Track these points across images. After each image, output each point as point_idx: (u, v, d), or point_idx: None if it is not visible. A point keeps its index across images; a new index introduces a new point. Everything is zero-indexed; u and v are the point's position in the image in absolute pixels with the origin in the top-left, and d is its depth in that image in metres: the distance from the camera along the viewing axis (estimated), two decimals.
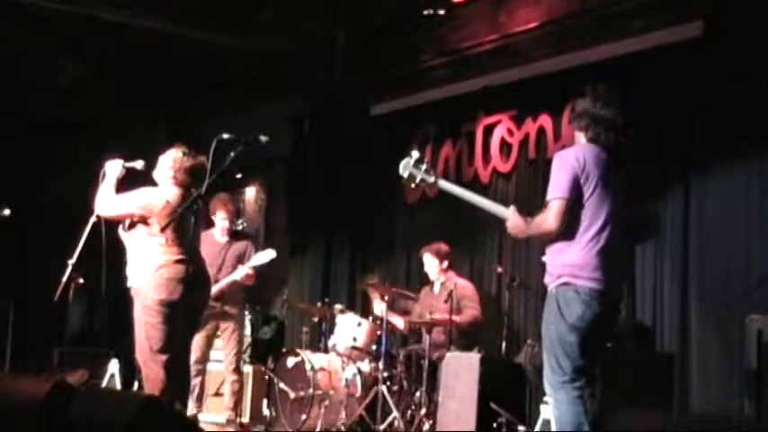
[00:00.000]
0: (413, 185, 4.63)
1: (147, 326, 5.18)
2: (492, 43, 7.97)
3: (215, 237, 7.21)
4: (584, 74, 7.33)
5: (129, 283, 5.30)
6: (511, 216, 4.33)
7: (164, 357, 5.13)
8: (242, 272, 7.02)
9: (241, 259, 7.19)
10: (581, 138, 4.35)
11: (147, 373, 5.22)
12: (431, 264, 7.50)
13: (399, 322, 7.59)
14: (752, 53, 6.30)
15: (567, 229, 4.11)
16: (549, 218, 4.10)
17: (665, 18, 6.83)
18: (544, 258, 4.33)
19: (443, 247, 7.50)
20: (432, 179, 4.56)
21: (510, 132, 7.98)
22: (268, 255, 7.10)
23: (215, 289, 6.97)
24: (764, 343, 5.51)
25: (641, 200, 4.40)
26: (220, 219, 7.20)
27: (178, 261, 5.20)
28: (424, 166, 4.56)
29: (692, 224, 6.63)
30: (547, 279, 4.27)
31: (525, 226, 4.28)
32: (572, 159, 4.14)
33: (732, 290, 6.28)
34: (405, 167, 4.59)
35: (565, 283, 4.12)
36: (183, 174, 5.36)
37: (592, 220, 4.11)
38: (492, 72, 8.10)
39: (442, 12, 8.18)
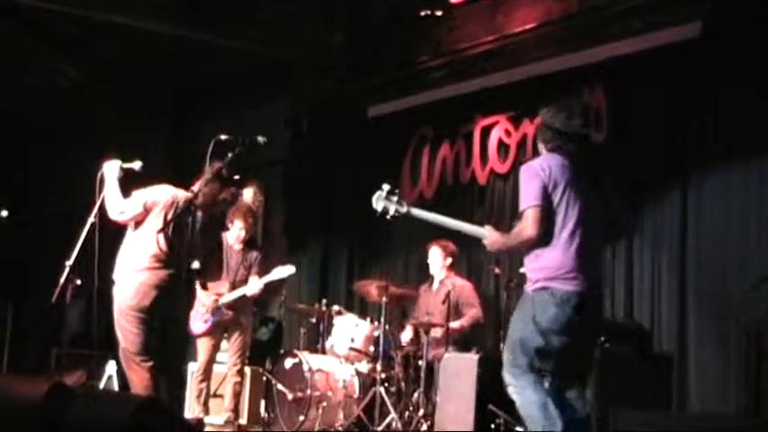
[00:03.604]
0: (387, 217, 4.68)
1: (124, 330, 5.21)
2: (489, 44, 7.97)
3: (228, 241, 7.20)
4: (582, 75, 7.36)
5: (114, 276, 5.31)
6: (488, 234, 4.46)
7: (142, 359, 5.15)
8: (255, 287, 6.99)
9: (249, 269, 7.18)
10: (543, 149, 4.52)
11: (130, 375, 5.25)
12: (436, 258, 7.48)
13: (407, 336, 7.56)
14: (750, 54, 6.31)
15: (542, 236, 4.25)
16: (528, 226, 4.25)
17: (664, 19, 6.84)
18: (522, 270, 4.47)
19: (452, 245, 7.47)
20: (404, 209, 4.65)
21: (507, 133, 7.99)
22: (287, 270, 7.08)
23: (227, 299, 6.97)
24: (762, 344, 5.52)
25: (611, 201, 4.51)
26: (237, 228, 7.18)
27: (157, 267, 5.21)
28: (395, 198, 4.66)
29: (689, 225, 6.64)
30: (526, 286, 4.39)
31: (504, 239, 4.41)
32: (538, 169, 4.31)
33: (729, 291, 6.29)
34: (377, 200, 4.68)
35: (542, 288, 4.26)
36: (208, 193, 5.35)
37: (563, 224, 4.26)
38: (489, 73, 8.10)
39: (439, 13, 8.18)
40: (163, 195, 5.34)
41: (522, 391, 4.27)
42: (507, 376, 4.35)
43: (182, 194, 5.36)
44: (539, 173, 4.29)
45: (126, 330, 5.20)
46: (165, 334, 5.31)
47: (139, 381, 5.17)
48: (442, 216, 4.69)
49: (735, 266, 6.32)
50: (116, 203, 5.34)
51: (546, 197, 4.25)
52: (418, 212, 4.70)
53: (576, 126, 4.42)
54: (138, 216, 5.32)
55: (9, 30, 8.79)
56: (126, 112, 10.24)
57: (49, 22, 8.76)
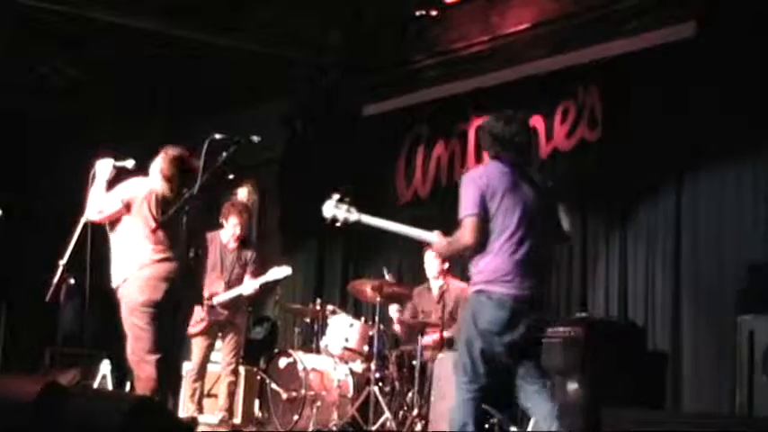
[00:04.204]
0: (337, 224, 4.83)
1: (135, 328, 5.17)
2: (484, 44, 7.98)
3: (222, 239, 7.19)
4: (577, 74, 7.37)
5: (114, 283, 5.28)
6: (436, 239, 4.60)
7: (155, 357, 5.12)
8: (251, 287, 6.99)
9: (244, 268, 7.17)
10: (487, 156, 4.67)
11: (138, 374, 5.21)
12: (431, 263, 7.46)
13: (397, 328, 7.58)
14: (744, 53, 6.32)
15: (481, 242, 4.41)
16: (465, 234, 4.41)
17: (658, 19, 6.86)
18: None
19: None
20: (355, 217, 4.79)
21: None
22: (284, 271, 7.07)
23: (222, 299, 6.96)
24: (755, 342, 5.53)
25: (553, 207, 4.65)
26: (232, 225, 7.15)
27: (162, 260, 5.19)
28: (344, 206, 4.80)
29: (684, 224, 6.65)
30: (468, 288, 4.57)
31: (447, 245, 4.57)
32: (476, 179, 4.47)
33: (724, 290, 6.30)
34: (328, 209, 4.84)
35: (479, 290, 4.41)
36: (167, 164, 5.33)
37: (501, 230, 4.40)
38: (484, 73, 8.11)
39: (434, 12, 8.18)
40: (140, 189, 5.30)
41: (456, 399, 4.44)
42: (455, 379, 4.55)
43: (158, 186, 5.33)
44: (476, 181, 4.44)
45: (136, 328, 5.16)
46: (172, 327, 5.29)
47: (146, 379, 5.13)
48: (391, 222, 4.82)
49: (729, 265, 6.33)
50: (96, 203, 5.31)
51: (483, 205, 4.39)
52: (368, 219, 4.82)
53: (511, 132, 4.54)
54: (118, 213, 5.27)
55: (9, 30, 8.78)
56: (123, 112, 10.23)
57: (48, 22, 8.74)
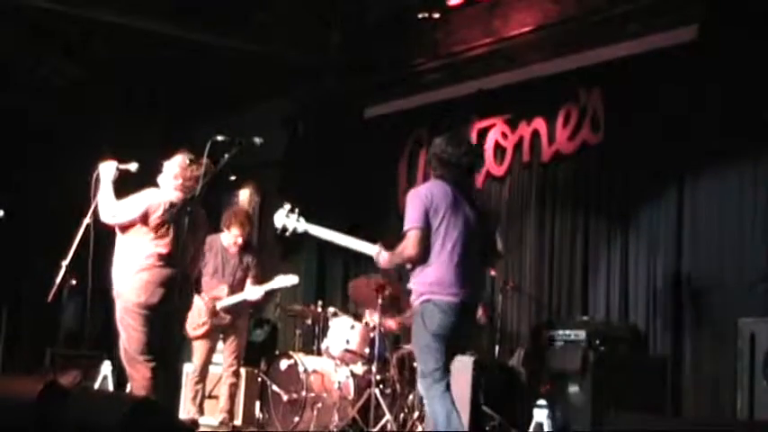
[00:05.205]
0: (287, 234, 5.11)
1: (128, 328, 5.19)
2: (486, 47, 7.98)
3: (223, 243, 7.19)
4: (579, 77, 7.37)
5: (113, 280, 5.29)
6: (377, 251, 4.87)
7: (146, 358, 5.14)
8: (256, 293, 7.01)
9: (246, 272, 7.17)
10: (432, 174, 4.95)
11: (131, 374, 5.24)
12: None
13: (392, 324, 7.57)
14: (745, 57, 6.32)
15: (424, 254, 4.71)
16: (409, 246, 4.72)
17: (660, 22, 6.86)
18: (410, 285, 4.84)
19: None
20: (302, 227, 5.11)
21: (504, 136, 7.99)
22: (290, 280, 7.10)
23: (226, 303, 6.97)
24: (756, 346, 5.53)
25: (489, 227, 4.95)
26: (233, 234, 7.15)
27: (161, 265, 5.19)
28: (294, 216, 5.12)
29: (685, 227, 6.65)
30: (412, 299, 4.82)
31: (390, 257, 4.83)
32: (422, 195, 4.78)
33: (725, 293, 6.29)
34: (279, 219, 5.12)
35: (426, 300, 4.70)
36: (194, 182, 5.34)
37: (443, 243, 4.71)
38: (486, 76, 8.11)
39: (436, 15, 8.19)
40: (159, 202, 5.29)
41: (431, 402, 4.67)
42: (420, 388, 4.83)
43: (173, 196, 5.33)
44: (422, 197, 4.74)
45: (130, 328, 5.18)
46: (166, 331, 5.30)
47: (140, 379, 5.16)
48: (336, 234, 5.09)
49: (730, 269, 6.33)
50: (109, 206, 5.31)
51: (426, 220, 4.69)
52: (314, 230, 5.14)
53: (458, 155, 4.82)
54: (134, 222, 5.28)
55: (9, 30, 8.79)
56: (123, 113, 10.24)
57: (48, 22, 8.76)
